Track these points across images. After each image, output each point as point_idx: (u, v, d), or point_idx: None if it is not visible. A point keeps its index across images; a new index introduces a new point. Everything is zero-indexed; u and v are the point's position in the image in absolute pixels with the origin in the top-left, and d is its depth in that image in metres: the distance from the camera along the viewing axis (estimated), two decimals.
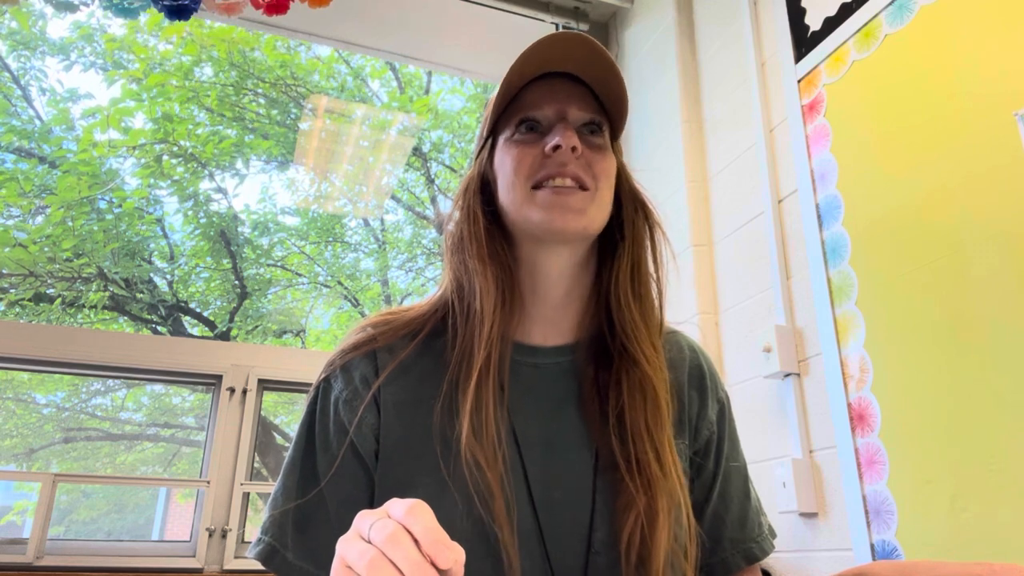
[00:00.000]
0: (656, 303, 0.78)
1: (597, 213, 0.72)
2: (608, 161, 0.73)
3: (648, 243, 0.78)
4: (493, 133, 0.76)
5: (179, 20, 1.74)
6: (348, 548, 0.44)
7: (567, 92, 0.73)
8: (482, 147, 0.79)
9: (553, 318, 0.76)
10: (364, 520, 0.45)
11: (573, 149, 0.69)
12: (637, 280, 0.76)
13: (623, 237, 0.77)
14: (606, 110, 0.75)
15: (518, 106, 0.73)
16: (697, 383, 0.81)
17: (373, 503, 0.70)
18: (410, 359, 0.74)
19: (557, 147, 0.69)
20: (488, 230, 0.74)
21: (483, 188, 0.77)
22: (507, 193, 0.73)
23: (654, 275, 0.78)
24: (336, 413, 0.72)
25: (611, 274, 0.76)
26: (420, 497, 0.67)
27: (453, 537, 0.65)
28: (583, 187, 0.71)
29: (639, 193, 0.80)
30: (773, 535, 0.83)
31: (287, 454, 0.74)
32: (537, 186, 0.71)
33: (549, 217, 0.70)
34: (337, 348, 0.76)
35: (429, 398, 0.71)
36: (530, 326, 0.76)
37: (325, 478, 0.70)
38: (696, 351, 0.84)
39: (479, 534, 0.65)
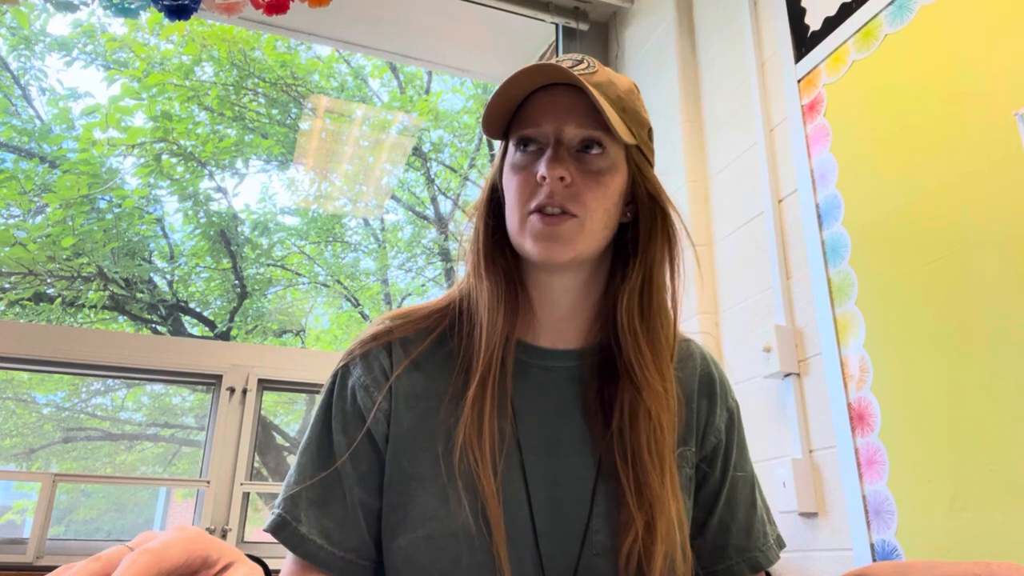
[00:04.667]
0: (670, 318, 0.77)
1: (585, 241, 0.71)
2: (603, 186, 0.72)
3: (665, 254, 0.77)
4: (506, 138, 0.77)
5: (179, 20, 1.74)
6: None
7: (567, 104, 0.71)
8: (495, 152, 0.80)
9: (560, 326, 0.77)
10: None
11: (561, 179, 0.69)
12: (647, 298, 0.75)
13: (635, 251, 0.76)
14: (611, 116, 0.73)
15: (520, 119, 0.74)
16: (707, 390, 0.81)
17: (384, 484, 0.72)
18: (423, 355, 0.76)
19: (544, 177, 0.70)
20: (490, 245, 0.75)
21: (494, 197, 0.78)
22: (508, 214, 0.74)
23: (669, 287, 0.77)
24: (353, 397, 0.75)
25: (619, 291, 0.75)
26: (424, 491, 0.69)
27: (451, 537, 0.67)
28: (572, 214, 0.70)
29: (660, 198, 0.77)
30: (781, 546, 0.83)
31: (304, 436, 0.77)
32: (532, 211, 0.71)
33: (536, 248, 0.70)
34: (357, 339, 0.78)
35: (436, 396, 0.73)
36: (539, 330, 0.77)
37: (341, 458, 0.72)
38: (708, 359, 0.84)
39: (475, 535, 0.67)
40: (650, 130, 0.78)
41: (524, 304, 0.76)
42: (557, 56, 0.77)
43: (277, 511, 0.72)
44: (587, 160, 0.71)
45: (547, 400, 0.75)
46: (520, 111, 0.74)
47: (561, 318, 0.77)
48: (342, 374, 0.77)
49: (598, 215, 0.71)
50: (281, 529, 0.71)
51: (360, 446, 0.73)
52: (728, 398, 0.83)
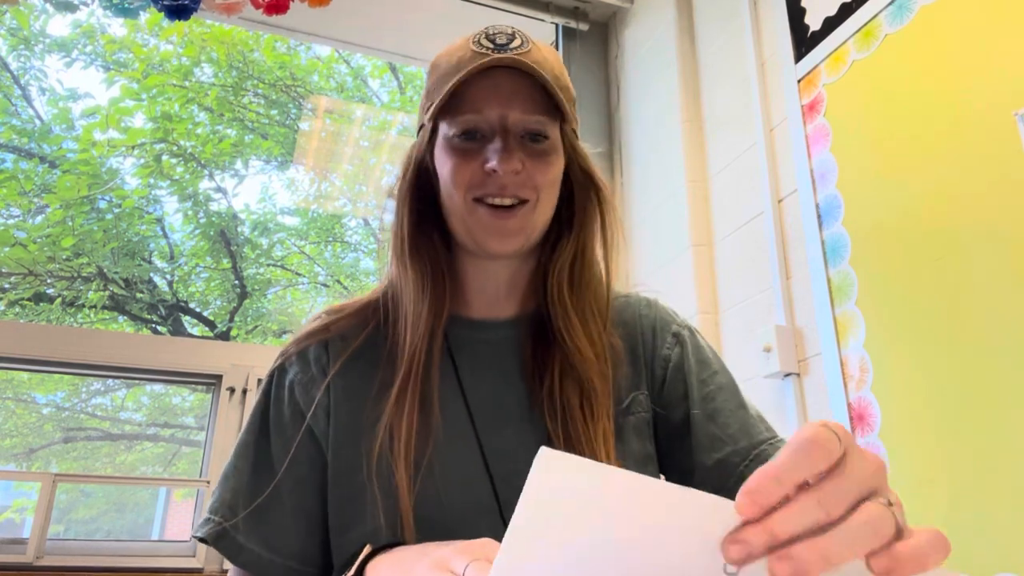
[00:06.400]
0: (602, 288, 0.77)
1: (536, 225, 0.72)
2: (551, 167, 0.71)
3: (597, 227, 0.77)
4: (435, 117, 0.73)
5: (179, 20, 1.74)
6: None
7: (510, 89, 0.69)
8: (420, 128, 0.76)
9: (494, 301, 0.77)
10: (457, 560, 0.44)
11: (515, 172, 0.68)
12: (577, 271, 0.76)
13: (571, 225, 0.76)
14: (553, 97, 0.71)
15: (460, 100, 0.70)
16: (649, 328, 0.81)
17: (327, 484, 0.70)
18: (360, 348, 0.74)
19: (495, 170, 0.68)
20: (414, 231, 0.73)
21: (420, 176, 0.75)
22: (447, 199, 0.72)
23: (602, 260, 0.77)
24: (291, 395, 0.73)
25: (550, 265, 0.76)
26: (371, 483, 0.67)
27: (367, 531, 0.65)
28: (523, 200, 0.70)
29: (592, 174, 0.77)
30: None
31: (239, 438, 0.74)
32: (478, 199, 0.70)
33: (486, 239, 0.70)
34: (292, 337, 0.77)
35: (369, 388, 0.72)
36: (472, 304, 0.77)
37: (279, 461, 0.70)
38: (646, 303, 0.84)
39: (393, 530, 0.65)
40: (575, 101, 0.78)
41: (453, 286, 0.75)
42: (489, 33, 0.73)
43: (215, 519, 0.69)
44: (533, 144, 0.70)
45: (488, 372, 0.74)
46: (458, 92, 0.70)
47: (495, 294, 0.76)
48: (278, 374, 0.75)
49: (546, 196, 0.72)
50: (220, 539, 0.68)
51: (299, 447, 0.70)
52: (672, 325, 0.82)
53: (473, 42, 0.72)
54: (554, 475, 0.32)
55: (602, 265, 0.78)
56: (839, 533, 0.32)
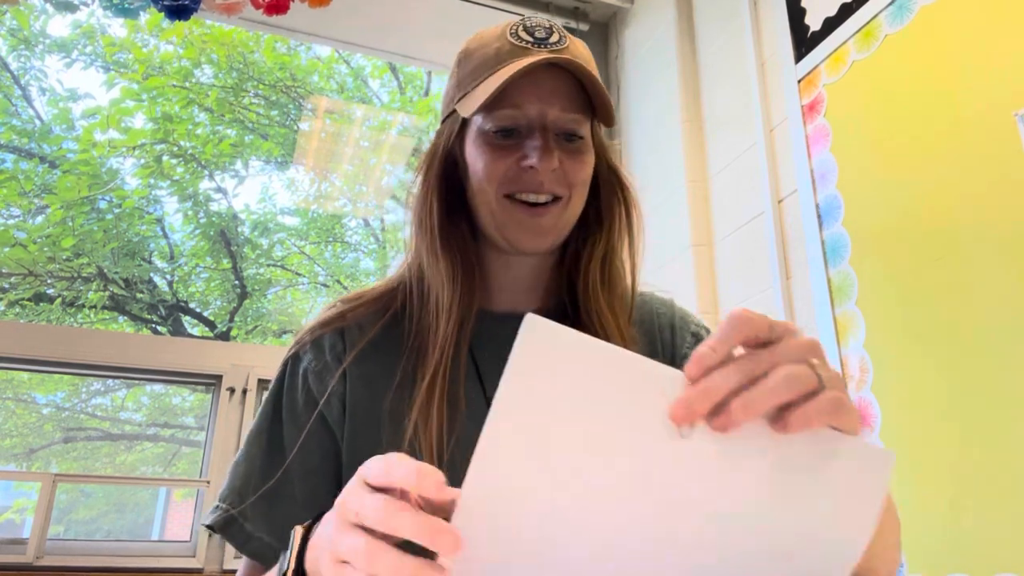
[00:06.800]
0: (628, 286, 0.78)
1: (567, 222, 0.72)
2: (585, 165, 0.72)
3: (625, 223, 0.77)
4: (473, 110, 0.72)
5: (179, 20, 1.74)
6: (340, 540, 0.41)
7: (551, 86, 0.69)
8: (449, 115, 0.74)
9: (519, 295, 0.77)
10: (353, 499, 0.42)
11: (553, 169, 0.68)
12: (609, 267, 0.76)
13: (599, 223, 0.76)
14: (589, 95, 0.71)
15: (498, 94, 0.68)
16: (668, 327, 0.81)
17: (341, 473, 0.70)
18: (378, 336, 0.73)
19: (534, 167, 0.67)
20: (445, 221, 0.72)
21: (447, 166, 0.74)
22: (477, 194, 0.71)
23: (628, 261, 0.78)
24: (305, 383, 0.72)
25: (580, 259, 0.76)
26: None
27: None
28: (557, 197, 0.70)
29: (619, 173, 0.78)
30: None
31: (253, 425, 0.74)
32: (509, 195, 0.69)
33: (517, 237, 0.70)
34: (307, 325, 0.76)
35: (388, 378, 0.71)
36: (497, 297, 0.77)
37: (291, 449, 0.69)
38: (663, 302, 0.84)
39: None
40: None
41: (480, 278, 0.74)
42: (527, 25, 0.72)
43: (223, 506, 0.68)
44: (568, 143, 0.70)
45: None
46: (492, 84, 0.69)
47: (519, 288, 0.76)
48: (292, 362, 0.74)
49: (578, 194, 0.72)
50: (227, 527, 0.67)
51: (312, 436, 0.70)
52: (690, 324, 0.82)
53: (510, 33, 0.71)
54: (539, 340, 0.36)
55: (626, 262, 0.78)
56: (760, 386, 0.38)
